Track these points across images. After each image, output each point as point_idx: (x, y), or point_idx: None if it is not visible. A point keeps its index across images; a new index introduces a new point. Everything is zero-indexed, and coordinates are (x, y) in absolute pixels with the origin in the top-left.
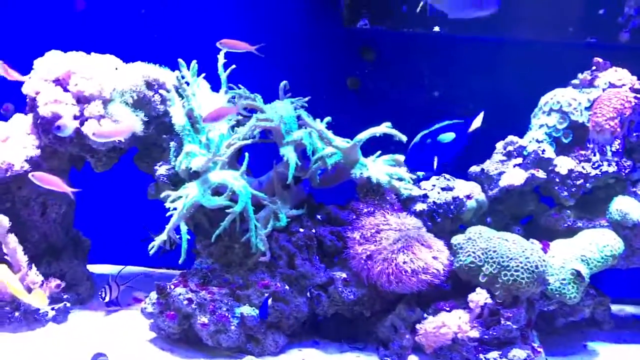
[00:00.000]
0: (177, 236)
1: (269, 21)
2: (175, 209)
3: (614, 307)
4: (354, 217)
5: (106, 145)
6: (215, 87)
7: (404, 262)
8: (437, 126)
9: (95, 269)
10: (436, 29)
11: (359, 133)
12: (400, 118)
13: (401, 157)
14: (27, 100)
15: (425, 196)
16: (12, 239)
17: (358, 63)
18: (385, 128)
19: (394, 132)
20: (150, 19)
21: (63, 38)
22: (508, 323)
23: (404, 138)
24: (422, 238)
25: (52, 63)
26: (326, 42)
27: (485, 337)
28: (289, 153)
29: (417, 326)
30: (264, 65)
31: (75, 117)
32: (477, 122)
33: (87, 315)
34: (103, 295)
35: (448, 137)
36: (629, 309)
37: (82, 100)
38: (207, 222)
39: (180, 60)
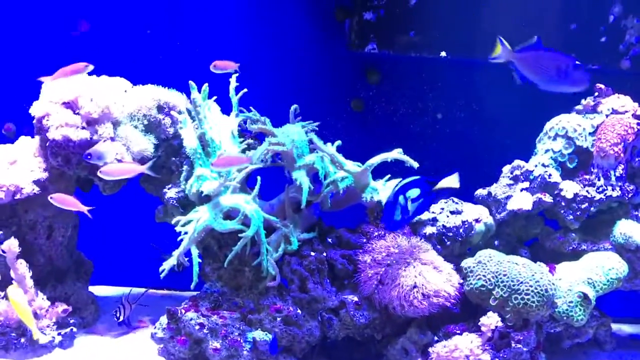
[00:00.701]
0: (186, 259)
1: (275, 44)
2: (186, 232)
3: (613, 327)
4: (365, 240)
5: None
6: (223, 109)
7: (415, 286)
8: (406, 181)
9: (96, 290)
10: (443, 53)
11: (361, 154)
12: (405, 141)
13: None
14: (34, 122)
15: (435, 220)
16: (22, 265)
17: (363, 85)
18: (397, 154)
19: (406, 158)
20: (159, 40)
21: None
22: (519, 346)
23: (415, 164)
24: (432, 262)
25: (61, 85)
26: (331, 64)
27: (496, 359)
28: (301, 177)
29: (430, 349)
30: (270, 87)
31: (86, 140)
32: (447, 182)
33: (93, 339)
34: (117, 315)
35: (413, 193)
36: (626, 329)
37: (91, 122)
38: (216, 245)
39: (191, 82)
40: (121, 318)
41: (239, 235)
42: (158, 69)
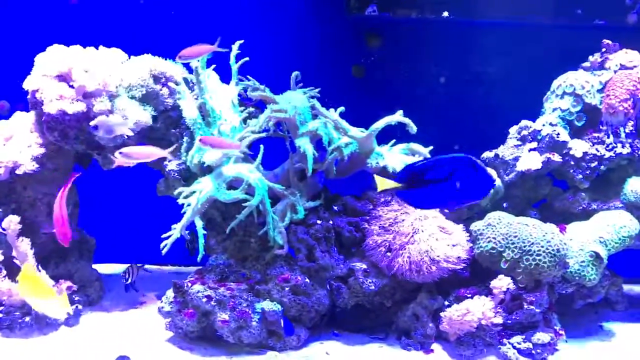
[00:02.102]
0: (187, 232)
1: (272, 10)
2: (189, 204)
3: (624, 287)
4: (371, 207)
5: (114, 141)
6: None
7: (424, 251)
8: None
9: (99, 268)
10: (445, 14)
11: (363, 121)
12: (407, 106)
13: (416, 146)
14: (29, 97)
15: None
16: (23, 243)
17: (363, 51)
18: (399, 117)
19: (407, 120)
20: (154, 9)
21: (64, 32)
22: (531, 307)
23: (414, 129)
24: (441, 226)
25: (54, 58)
26: (330, 30)
27: (508, 322)
28: (305, 144)
29: (441, 314)
30: (268, 55)
31: (82, 113)
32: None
33: (99, 316)
34: (126, 277)
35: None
36: (638, 289)
37: (87, 95)
38: (220, 217)
39: None
40: (129, 280)
41: (244, 204)
42: (153, 39)
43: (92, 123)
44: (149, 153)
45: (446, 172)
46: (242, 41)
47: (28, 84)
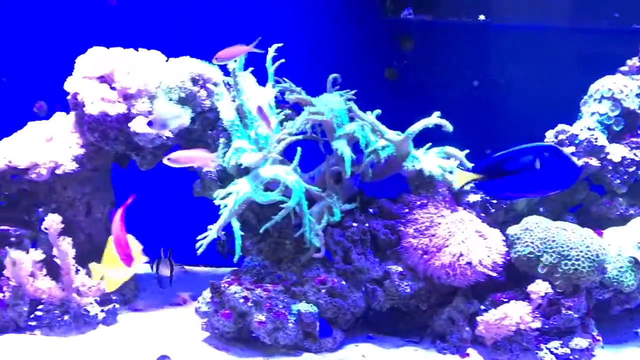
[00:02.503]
0: (223, 233)
1: (306, 13)
2: (225, 205)
3: None
4: (407, 210)
5: (153, 142)
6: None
7: (461, 255)
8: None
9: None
10: (481, 17)
11: (395, 124)
12: (440, 110)
13: (452, 149)
14: (69, 98)
15: None
16: (65, 242)
17: (397, 53)
18: (436, 118)
19: (443, 122)
20: (193, 12)
21: (102, 34)
22: (569, 312)
23: (450, 128)
24: (477, 230)
25: (96, 60)
26: (364, 33)
27: (545, 327)
28: (342, 147)
29: (478, 318)
30: (302, 58)
31: (123, 115)
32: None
33: (135, 316)
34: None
35: None
36: None
37: (128, 97)
38: (255, 219)
39: None
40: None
41: (281, 206)
42: (191, 41)
43: (150, 118)
44: (196, 157)
45: (529, 161)
46: (281, 44)
47: (69, 86)
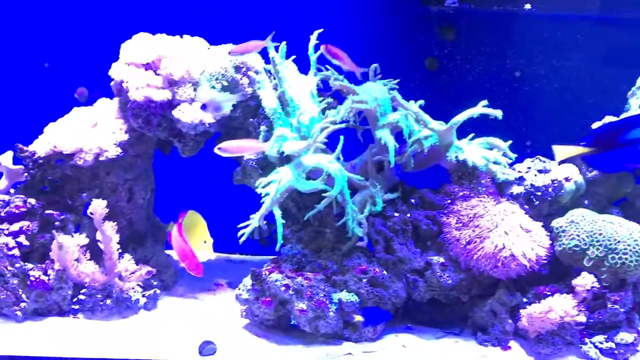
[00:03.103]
0: (264, 222)
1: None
2: (267, 194)
3: None
4: (449, 201)
5: (196, 129)
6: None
7: (504, 247)
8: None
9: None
10: (527, 6)
11: (435, 115)
12: (479, 100)
13: (496, 140)
14: (113, 84)
15: (522, 179)
16: (109, 227)
17: (437, 43)
18: (481, 108)
19: (490, 110)
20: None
21: (146, 20)
22: (615, 307)
23: (499, 113)
24: (521, 222)
25: (141, 46)
26: (403, 21)
27: (590, 321)
28: (386, 136)
29: (521, 311)
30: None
31: (167, 101)
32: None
33: (174, 301)
34: None
35: None
36: None
37: (172, 83)
38: (295, 207)
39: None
40: None
41: (323, 195)
42: (232, 28)
43: (203, 100)
44: (247, 147)
45: None
46: (321, 30)
47: (114, 71)
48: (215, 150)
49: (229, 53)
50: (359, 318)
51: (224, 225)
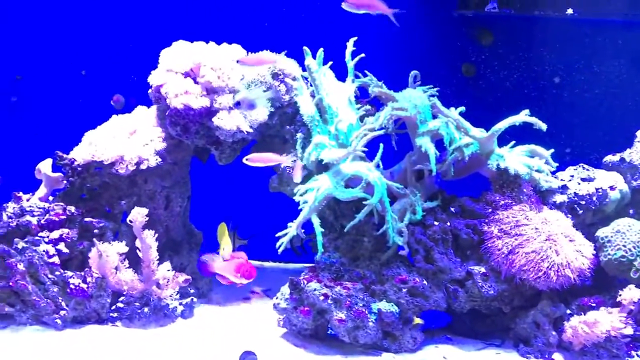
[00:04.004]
0: (302, 230)
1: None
2: (305, 202)
3: None
4: (490, 210)
5: (234, 137)
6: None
7: (547, 257)
8: None
9: None
10: (569, 11)
11: (472, 122)
12: (519, 107)
13: (537, 148)
14: (152, 91)
15: (564, 187)
16: (149, 235)
17: (474, 49)
18: (524, 116)
19: (534, 120)
20: (270, 7)
21: (183, 28)
22: None
23: (544, 126)
24: (564, 232)
25: (179, 54)
26: (440, 27)
27: (637, 333)
28: (426, 144)
29: (566, 323)
30: (377, 52)
31: (205, 109)
32: None
33: (210, 309)
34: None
35: None
36: None
37: (210, 91)
38: (332, 216)
39: (305, 48)
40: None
41: (363, 203)
42: (270, 36)
43: (236, 98)
44: (270, 159)
45: None
46: (355, 38)
47: (154, 79)
48: (244, 160)
49: (237, 61)
50: (418, 321)
51: (258, 233)
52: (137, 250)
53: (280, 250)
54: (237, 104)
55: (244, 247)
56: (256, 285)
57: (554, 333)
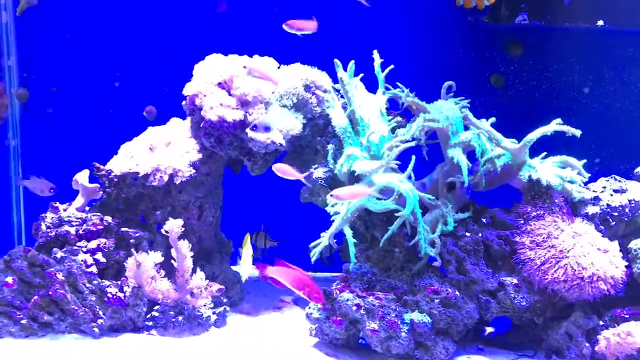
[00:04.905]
0: (334, 241)
1: (410, 18)
2: (336, 213)
3: None
4: (522, 221)
5: (267, 148)
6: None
7: (580, 269)
8: None
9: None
10: (600, 23)
11: (502, 133)
12: (548, 118)
13: (569, 159)
14: (186, 103)
15: (597, 199)
16: (184, 245)
17: (503, 60)
18: (556, 126)
19: (566, 128)
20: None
21: (215, 40)
22: None
23: (577, 132)
24: (596, 243)
25: (214, 67)
26: (468, 38)
27: None
28: (458, 155)
29: (599, 336)
30: (406, 64)
31: (239, 121)
32: None
33: (242, 318)
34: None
35: None
36: None
37: (244, 103)
38: (363, 226)
39: (336, 60)
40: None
41: (395, 214)
42: (301, 49)
43: (254, 122)
44: (289, 173)
45: None
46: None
47: (189, 91)
48: (273, 168)
49: (244, 66)
50: (490, 330)
51: (288, 242)
52: (172, 261)
53: (313, 260)
54: (254, 127)
55: (273, 248)
56: (285, 295)
57: (587, 345)
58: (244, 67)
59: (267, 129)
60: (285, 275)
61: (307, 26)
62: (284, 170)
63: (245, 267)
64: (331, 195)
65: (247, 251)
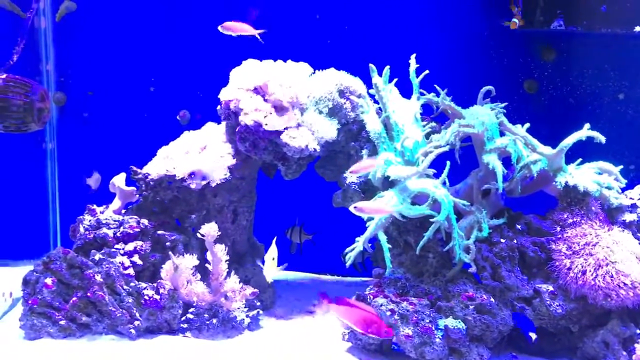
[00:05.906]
0: (369, 245)
1: (443, 23)
2: (371, 218)
3: None
4: (558, 228)
5: (302, 153)
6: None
7: (619, 276)
8: None
9: None
10: (638, 28)
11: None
12: (582, 124)
13: (606, 164)
14: (221, 107)
15: (634, 206)
16: (220, 249)
17: (537, 65)
18: (587, 131)
19: (595, 133)
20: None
21: (247, 48)
22: None
23: (603, 138)
24: (635, 250)
25: (249, 72)
26: (502, 43)
27: None
28: (494, 161)
29: (637, 345)
30: (438, 69)
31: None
32: None
33: (275, 322)
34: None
35: None
36: None
37: (278, 108)
38: (396, 231)
39: (371, 65)
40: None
41: (430, 220)
42: (329, 53)
43: (192, 170)
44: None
45: None
46: (414, 55)
47: (224, 96)
48: (351, 208)
49: (354, 207)
50: (533, 335)
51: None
52: (207, 264)
53: (347, 264)
54: (192, 174)
55: (309, 241)
56: (316, 299)
57: (624, 353)
58: (354, 207)
59: (204, 178)
60: (349, 316)
61: (243, 29)
62: (369, 210)
63: (270, 269)
64: (354, 207)
65: (270, 253)
